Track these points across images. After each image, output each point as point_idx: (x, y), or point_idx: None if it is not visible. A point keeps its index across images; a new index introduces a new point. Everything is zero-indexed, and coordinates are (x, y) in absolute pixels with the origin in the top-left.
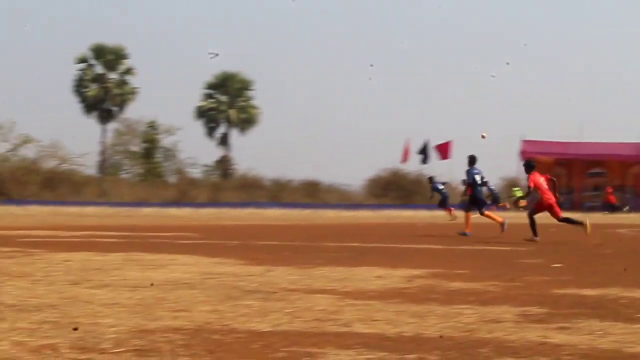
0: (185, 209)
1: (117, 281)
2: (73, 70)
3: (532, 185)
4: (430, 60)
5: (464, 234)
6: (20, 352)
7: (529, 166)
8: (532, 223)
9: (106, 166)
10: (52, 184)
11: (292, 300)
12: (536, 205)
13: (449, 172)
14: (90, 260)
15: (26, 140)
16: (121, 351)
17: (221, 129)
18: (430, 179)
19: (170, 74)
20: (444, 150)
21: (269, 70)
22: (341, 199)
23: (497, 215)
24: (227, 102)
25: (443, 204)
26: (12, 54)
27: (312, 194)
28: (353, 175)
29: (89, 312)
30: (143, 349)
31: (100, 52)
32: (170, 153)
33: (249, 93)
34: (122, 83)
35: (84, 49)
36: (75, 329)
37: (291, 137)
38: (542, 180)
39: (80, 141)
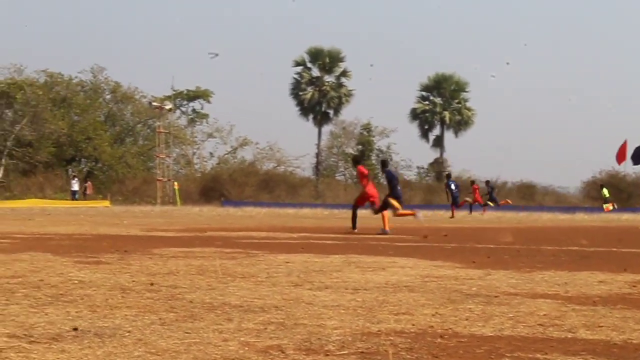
0: None
1: (338, 283)
2: (290, 74)
3: (361, 177)
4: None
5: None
6: (248, 352)
7: (355, 160)
8: (354, 216)
9: (322, 168)
10: (269, 185)
11: (514, 304)
12: (358, 198)
13: None
14: (311, 262)
15: (244, 143)
16: (346, 353)
17: (436, 131)
18: (448, 176)
19: (385, 76)
20: None
21: (483, 71)
22: (557, 201)
23: (387, 221)
24: (442, 104)
25: (454, 202)
26: (229, 58)
27: (527, 196)
28: (569, 177)
29: (312, 314)
30: (367, 352)
31: (316, 55)
32: (384, 155)
33: (464, 95)
34: (338, 86)
35: (301, 52)
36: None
37: (506, 139)
38: (368, 174)
39: (297, 143)
